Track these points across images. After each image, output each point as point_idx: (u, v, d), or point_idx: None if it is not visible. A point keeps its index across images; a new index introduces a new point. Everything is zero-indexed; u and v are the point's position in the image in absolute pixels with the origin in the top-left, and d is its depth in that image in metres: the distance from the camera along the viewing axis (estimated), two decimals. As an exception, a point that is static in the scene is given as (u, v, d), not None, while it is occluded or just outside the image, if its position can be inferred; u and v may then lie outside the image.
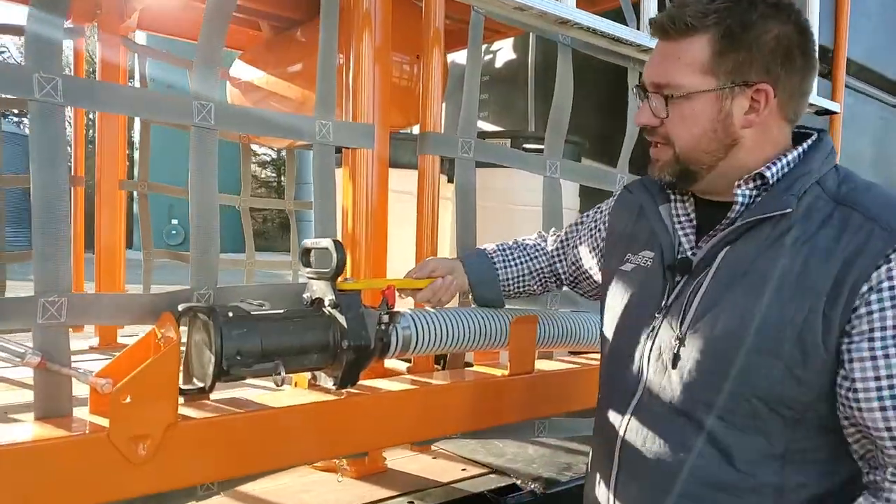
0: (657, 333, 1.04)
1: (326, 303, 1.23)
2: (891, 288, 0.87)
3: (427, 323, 1.38)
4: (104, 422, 1.02)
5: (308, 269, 1.29)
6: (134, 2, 3.01)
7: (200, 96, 1.23)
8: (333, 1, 1.43)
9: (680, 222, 1.09)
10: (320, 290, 1.26)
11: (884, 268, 0.88)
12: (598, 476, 1.13)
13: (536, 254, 1.48)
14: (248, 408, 1.17)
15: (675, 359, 1.00)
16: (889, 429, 0.88)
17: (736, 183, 1.00)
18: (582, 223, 1.41)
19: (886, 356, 0.87)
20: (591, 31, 1.77)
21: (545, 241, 1.51)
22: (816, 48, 1.02)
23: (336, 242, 1.21)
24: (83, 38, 3.10)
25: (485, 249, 1.50)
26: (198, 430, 1.09)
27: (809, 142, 1.02)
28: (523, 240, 1.53)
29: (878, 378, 0.88)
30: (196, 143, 1.23)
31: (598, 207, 1.38)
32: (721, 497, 0.97)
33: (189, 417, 1.09)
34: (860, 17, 2.96)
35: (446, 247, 2.20)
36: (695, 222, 1.08)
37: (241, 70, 3.27)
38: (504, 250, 1.49)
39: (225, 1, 1.28)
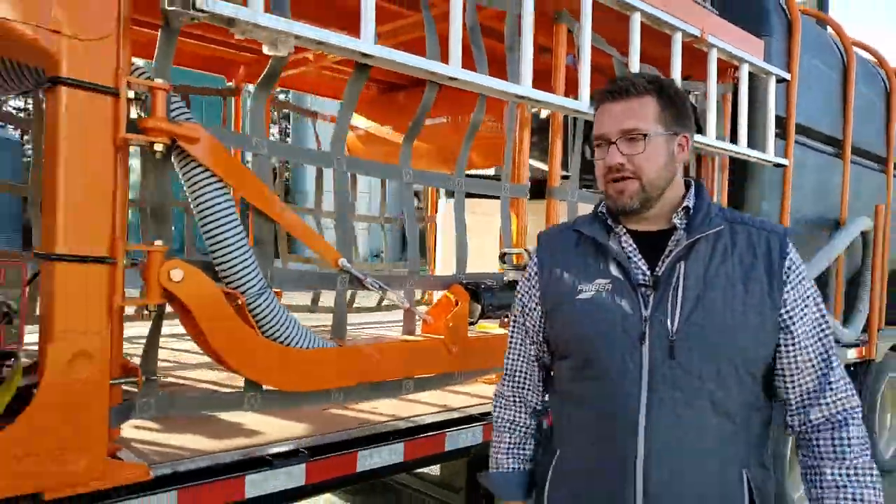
0: (649, 335, 1.30)
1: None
2: (792, 264, 1.32)
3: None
4: (437, 337, 2.14)
5: (506, 265, 2.42)
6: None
7: (335, 149, 2.03)
8: (434, 86, 2.22)
9: (629, 251, 1.37)
10: (513, 275, 2.39)
11: (788, 257, 1.32)
12: (602, 460, 1.34)
13: (534, 380, 1.54)
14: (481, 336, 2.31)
15: (672, 350, 1.28)
16: (821, 369, 1.32)
17: (674, 213, 1.36)
18: (523, 303, 1.52)
19: (811, 315, 1.32)
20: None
21: (523, 344, 1.54)
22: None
23: (527, 251, 2.34)
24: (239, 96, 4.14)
25: (508, 467, 1.54)
26: (476, 342, 2.22)
27: (693, 184, 1.40)
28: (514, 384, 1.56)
29: (809, 333, 1.32)
30: (336, 180, 2.05)
31: (522, 279, 1.53)
32: (729, 446, 1.31)
33: (472, 338, 2.22)
34: (804, 90, 4.12)
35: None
36: (637, 249, 1.37)
37: (356, 119, 4.36)
38: (516, 444, 1.55)
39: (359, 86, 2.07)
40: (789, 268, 1.32)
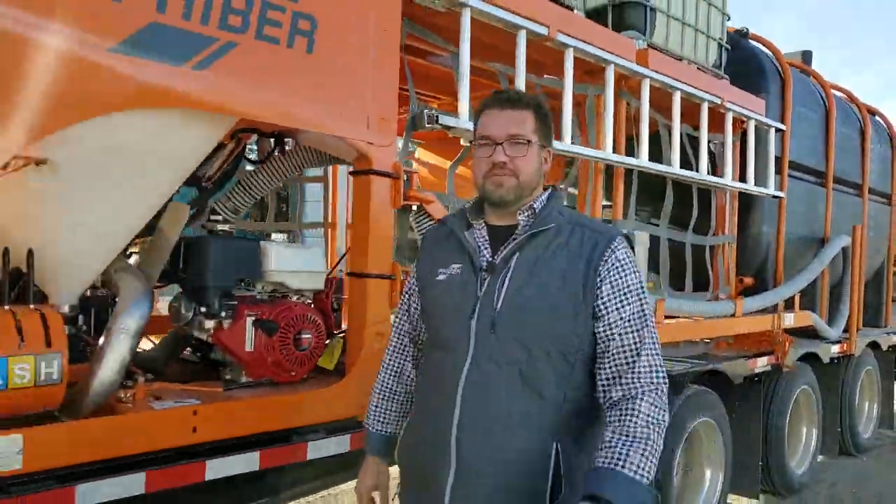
0: (478, 311, 1.49)
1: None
2: (614, 261, 1.49)
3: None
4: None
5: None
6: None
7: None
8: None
9: (480, 241, 1.58)
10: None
11: (608, 256, 1.49)
12: (430, 420, 1.53)
13: (402, 352, 1.78)
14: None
15: (493, 325, 1.46)
16: (631, 355, 1.46)
17: (518, 211, 1.55)
18: (409, 285, 1.77)
19: (628, 308, 1.48)
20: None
21: (402, 324, 1.78)
22: None
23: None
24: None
25: (372, 429, 1.79)
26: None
27: (550, 190, 1.61)
28: (390, 351, 1.81)
29: (622, 323, 1.47)
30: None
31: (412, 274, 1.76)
32: (534, 417, 1.45)
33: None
34: (794, 132, 5.08)
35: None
36: (488, 240, 1.58)
37: (422, 154, 5.28)
38: (381, 408, 1.78)
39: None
40: (606, 263, 1.49)
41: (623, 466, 1.35)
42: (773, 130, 4.60)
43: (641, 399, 1.43)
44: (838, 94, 6.08)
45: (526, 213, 1.55)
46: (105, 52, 1.68)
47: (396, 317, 1.80)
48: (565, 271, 1.48)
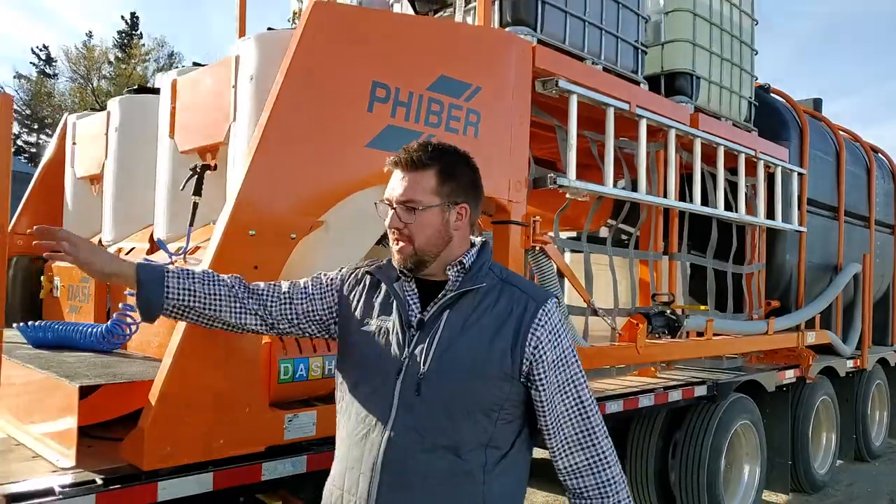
0: (405, 370, 1.47)
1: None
2: (549, 331, 1.49)
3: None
4: (631, 344, 3.79)
5: (654, 301, 4.06)
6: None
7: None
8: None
9: (409, 295, 1.54)
10: (660, 308, 4.04)
11: (538, 322, 1.48)
12: (352, 478, 1.49)
13: (236, 285, 1.71)
14: (653, 343, 3.96)
15: (419, 387, 1.44)
16: (578, 418, 1.49)
17: (447, 267, 1.52)
18: (321, 283, 1.72)
19: (561, 373, 1.49)
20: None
21: (283, 285, 1.74)
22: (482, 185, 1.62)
23: (671, 294, 4.00)
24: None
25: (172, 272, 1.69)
26: (651, 346, 3.86)
27: (479, 244, 1.59)
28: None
29: (559, 390, 1.48)
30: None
31: (330, 276, 1.72)
32: (456, 479, 1.44)
33: (648, 344, 3.87)
34: (810, 174, 5.82)
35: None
36: (418, 294, 1.54)
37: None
38: (200, 277, 1.70)
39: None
40: (536, 330, 1.48)
41: None
42: (795, 174, 5.35)
43: (610, 465, 1.51)
44: (845, 135, 6.84)
45: (455, 269, 1.54)
46: (364, 148, 2.42)
47: (307, 284, 1.74)
48: (494, 333, 1.48)
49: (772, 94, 6.05)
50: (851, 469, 6.40)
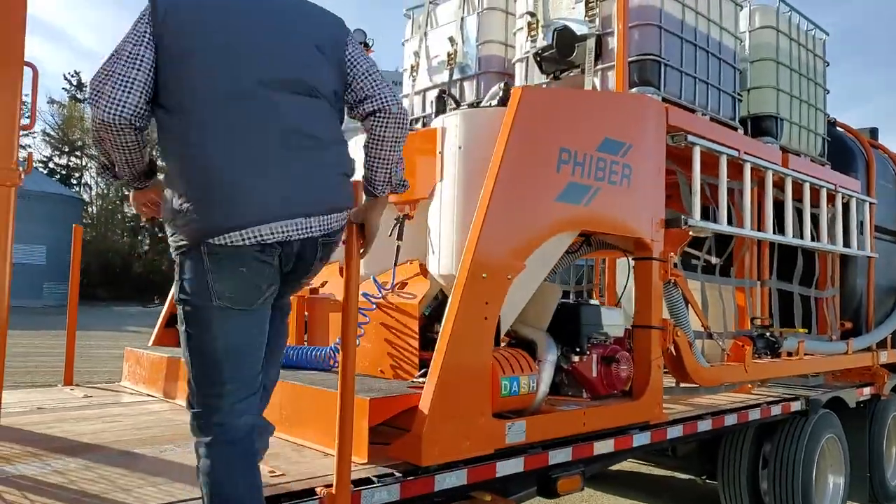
0: None
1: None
2: None
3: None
4: (739, 364, 4.23)
5: (751, 325, 4.50)
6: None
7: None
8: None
9: None
10: (758, 331, 4.49)
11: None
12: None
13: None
14: (758, 363, 4.40)
15: None
16: None
17: None
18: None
19: None
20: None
21: None
22: None
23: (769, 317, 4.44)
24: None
25: None
26: (758, 365, 4.29)
27: None
28: None
29: None
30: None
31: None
32: None
33: (755, 362, 4.30)
34: (878, 199, 6.23)
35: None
36: None
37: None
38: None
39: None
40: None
41: None
42: (867, 204, 5.78)
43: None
44: (899, 159, 7.26)
45: None
46: (553, 202, 2.93)
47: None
48: None
49: (837, 128, 6.49)
50: (920, 482, 6.71)
